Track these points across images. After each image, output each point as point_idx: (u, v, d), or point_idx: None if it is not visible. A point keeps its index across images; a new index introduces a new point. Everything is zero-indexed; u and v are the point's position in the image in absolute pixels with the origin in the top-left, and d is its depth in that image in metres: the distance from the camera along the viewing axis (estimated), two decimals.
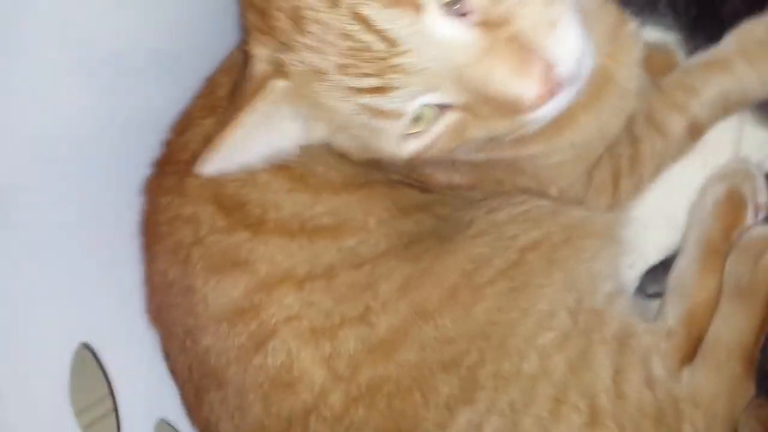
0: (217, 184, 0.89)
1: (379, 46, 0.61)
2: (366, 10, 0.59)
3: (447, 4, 0.59)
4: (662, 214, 0.96)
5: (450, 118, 0.66)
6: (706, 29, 1.00)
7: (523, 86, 0.59)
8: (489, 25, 0.59)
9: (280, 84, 0.68)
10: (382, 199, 0.91)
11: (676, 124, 0.90)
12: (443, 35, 0.59)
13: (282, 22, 0.64)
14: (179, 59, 1.00)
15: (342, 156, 0.82)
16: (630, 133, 0.89)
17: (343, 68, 0.65)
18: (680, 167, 0.94)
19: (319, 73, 0.66)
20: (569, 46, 0.60)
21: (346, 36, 0.62)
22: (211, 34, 0.96)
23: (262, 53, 0.69)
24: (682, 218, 0.96)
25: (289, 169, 0.89)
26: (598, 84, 0.82)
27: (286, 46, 0.65)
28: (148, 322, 0.92)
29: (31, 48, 0.77)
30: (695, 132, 0.91)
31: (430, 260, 0.86)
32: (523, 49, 0.59)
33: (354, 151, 0.78)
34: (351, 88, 0.66)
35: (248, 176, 0.88)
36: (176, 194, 0.92)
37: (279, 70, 0.68)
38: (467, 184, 0.95)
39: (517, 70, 0.59)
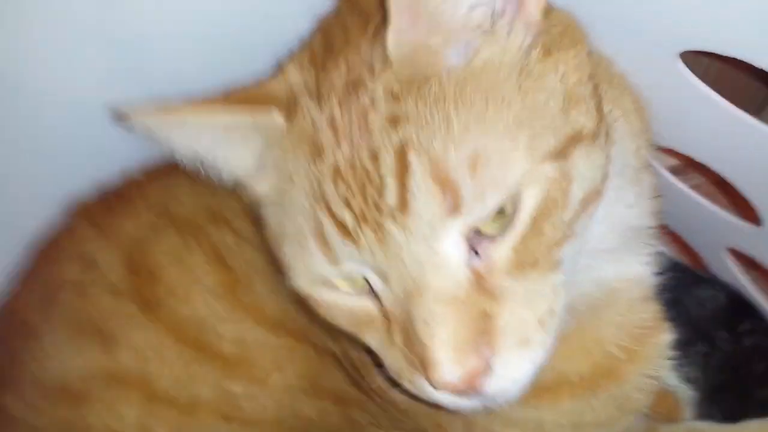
0: (143, 240, 0.74)
1: (390, 196, 0.53)
2: (412, 158, 0.53)
3: (475, 233, 0.54)
4: None
5: (366, 305, 0.60)
6: (726, 401, 0.94)
7: (447, 361, 0.53)
8: (480, 283, 0.55)
9: (278, 120, 0.60)
10: (303, 363, 0.75)
11: None
12: (443, 248, 0.54)
13: (335, 74, 0.58)
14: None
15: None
16: None
17: (337, 174, 0.56)
18: None
19: (314, 149, 0.57)
20: (518, 374, 0.56)
21: (372, 156, 0.54)
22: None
23: (294, 76, 0.62)
24: None
25: (228, 270, 0.75)
26: (600, 373, 0.72)
27: (315, 96, 0.59)
28: None
29: None
30: None
31: None
32: (482, 334, 0.54)
33: (270, 238, 0.66)
34: (323, 197, 0.56)
35: (182, 250, 0.74)
36: (97, 228, 0.77)
37: (290, 106, 0.60)
38: (403, 408, 0.77)
39: (459, 343, 0.53)
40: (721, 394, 0.93)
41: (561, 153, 0.54)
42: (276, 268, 0.66)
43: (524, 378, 0.56)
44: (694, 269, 1.02)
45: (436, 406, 0.61)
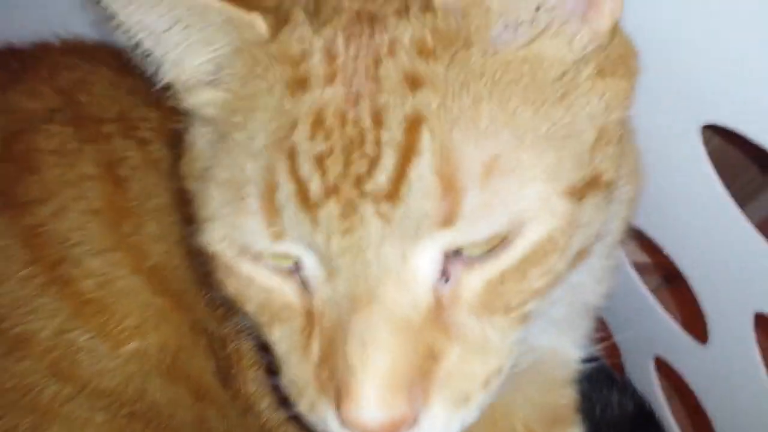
0: (33, 127, 0.63)
1: (381, 175, 0.43)
2: (425, 138, 0.43)
3: (455, 253, 0.45)
4: None
5: (289, 293, 0.48)
6: None
7: (373, 400, 0.43)
8: (439, 313, 0.45)
9: (259, 26, 0.46)
10: (171, 335, 0.63)
11: None
12: (416, 261, 0.44)
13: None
14: None
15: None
16: None
17: (318, 121, 0.44)
18: None
19: (297, 79, 0.45)
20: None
21: (374, 115, 0.43)
22: None
23: None
24: None
25: (121, 194, 0.63)
26: None
27: (313, 13, 0.47)
28: None
29: None
30: None
31: None
32: (422, 377, 0.44)
33: (189, 171, 0.53)
34: (290, 146, 0.44)
35: (74, 153, 0.62)
36: None
37: (279, 17, 0.47)
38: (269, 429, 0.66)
39: (394, 381, 0.43)
40: None
41: (578, 193, 0.46)
42: (183, 211, 0.53)
43: None
44: (609, 367, 0.95)
45: None
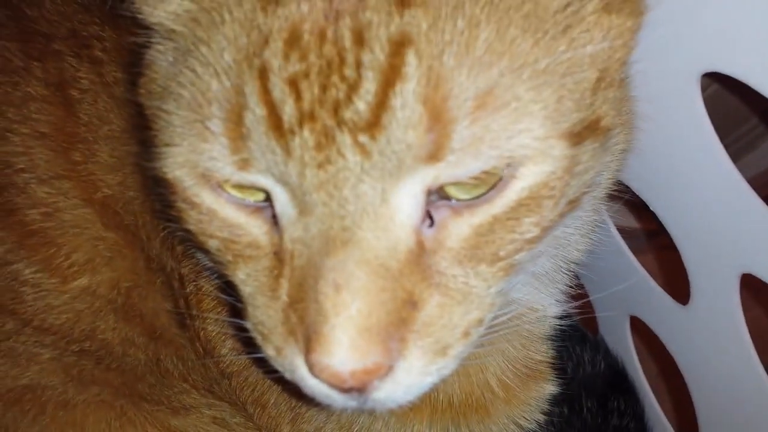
0: None
1: (361, 102, 0.38)
2: (410, 61, 0.38)
3: (437, 192, 0.41)
4: None
5: (255, 230, 0.45)
6: None
7: (346, 347, 0.40)
8: (420, 258, 0.42)
9: None
10: (124, 272, 0.58)
11: None
12: (397, 199, 0.41)
13: None
14: None
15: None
16: None
17: (294, 39, 0.39)
18: None
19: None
20: (417, 386, 0.44)
21: (355, 34, 0.38)
22: None
23: None
24: None
25: (71, 118, 0.57)
26: (470, 404, 0.62)
27: None
28: None
29: None
30: None
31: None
32: (398, 324, 0.41)
33: (148, 92, 0.48)
34: (262, 65, 0.39)
35: (19, 72, 0.57)
36: None
37: None
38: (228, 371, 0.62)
39: (369, 328, 0.40)
40: None
41: (577, 137, 0.42)
42: (139, 136, 0.48)
43: (420, 391, 0.44)
44: (581, 326, 0.93)
45: (279, 381, 0.46)
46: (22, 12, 0.58)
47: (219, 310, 0.60)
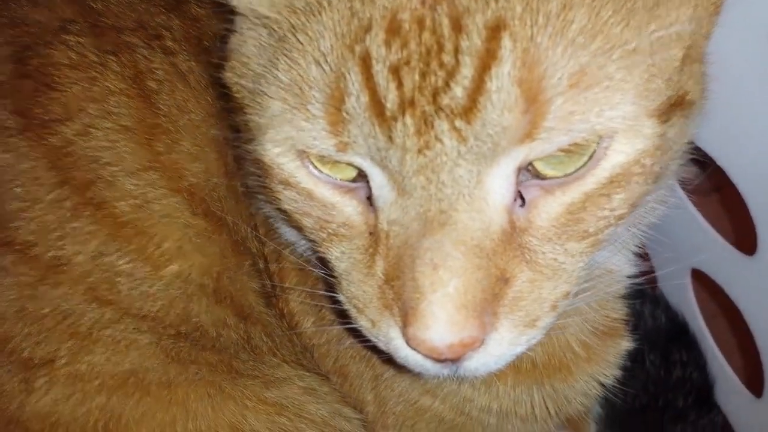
0: (48, 41, 0.57)
1: (458, 87, 0.39)
2: (505, 44, 0.39)
3: (529, 170, 0.43)
4: None
5: (351, 210, 0.47)
6: (635, 428, 0.88)
7: (443, 321, 0.42)
8: (512, 237, 0.44)
9: None
10: (213, 257, 0.60)
11: None
12: (491, 181, 0.42)
13: None
14: None
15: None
16: None
17: (394, 28, 0.40)
18: None
19: None
20: (507, 356, 0.46)
21: (453, 21, 0.39)
22: None
23: None
24: None
25: (151, 109, 0.57)
26: (553, 365, 0.64)
27: None
28: None
29: None
30: None
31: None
32: (491, 300, 0.43)
33: (238, 75, 0.50)
34: (364, 52, 0.40)
35: (95, 67, 0.57)
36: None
37: None
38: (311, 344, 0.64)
39: (465, 304, 0.42)
40: (635, 418, 0.85)
41: (665, 114, 0.43)
42: (228, 121, 0.49)
43: (509, 360, 0.46)
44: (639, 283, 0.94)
45: (370, 349, 0.48)
46: (89, 5, 0.59)
47: (301, 287, 0.61)
